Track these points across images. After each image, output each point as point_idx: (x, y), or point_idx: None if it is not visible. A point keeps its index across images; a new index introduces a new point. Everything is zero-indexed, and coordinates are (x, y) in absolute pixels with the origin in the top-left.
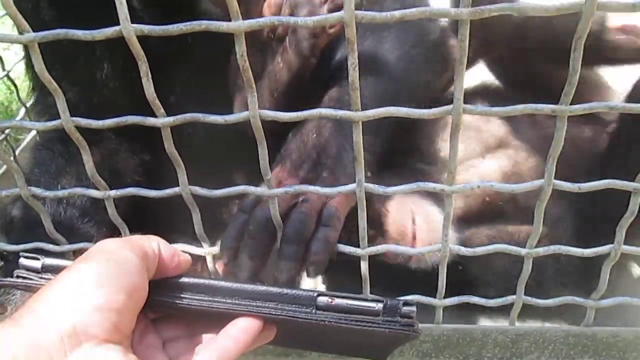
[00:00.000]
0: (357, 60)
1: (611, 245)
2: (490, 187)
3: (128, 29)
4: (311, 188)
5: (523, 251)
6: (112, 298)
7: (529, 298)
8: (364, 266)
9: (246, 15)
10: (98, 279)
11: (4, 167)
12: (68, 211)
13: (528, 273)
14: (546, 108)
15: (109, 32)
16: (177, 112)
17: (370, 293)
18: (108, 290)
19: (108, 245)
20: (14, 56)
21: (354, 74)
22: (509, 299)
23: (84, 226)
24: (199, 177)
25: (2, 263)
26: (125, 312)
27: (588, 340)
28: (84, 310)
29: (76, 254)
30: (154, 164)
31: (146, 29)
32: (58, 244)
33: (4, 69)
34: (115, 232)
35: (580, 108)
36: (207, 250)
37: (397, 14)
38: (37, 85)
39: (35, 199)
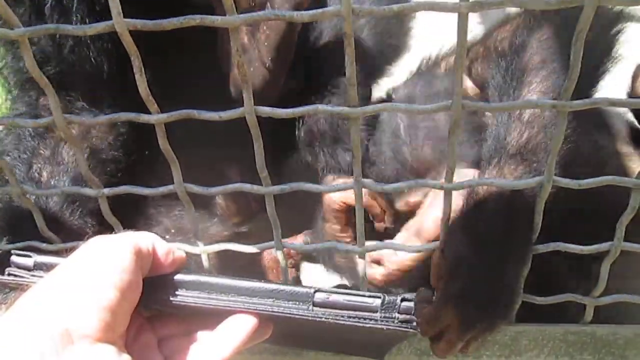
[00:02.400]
0: (354, 56)
1: (611, 242)
2: (490, 184)
3: (120, 23)
4: (307, 186)
5: None
6: (105, 297)
7: (528, 295)
8: (362, 265)
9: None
10: (90, 277)
11: None
12: (51, 201)
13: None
14: (547, 103)
15: (100, 26)
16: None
17: None
18: (101, 288)
19: (100, 242)
20: None
21: (351, 69)
22: None
23: (70, 217)
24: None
25: None
26: (119, 311)
27: (587, 338)
28: (76, 309)
29: (69, 251)
30: (131, 133)
31: (139, 23)
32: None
33: None
34: (103, 220)
35: (581, 103)
36: (203, 249)
37: (395, 7)
38: (19, 81)
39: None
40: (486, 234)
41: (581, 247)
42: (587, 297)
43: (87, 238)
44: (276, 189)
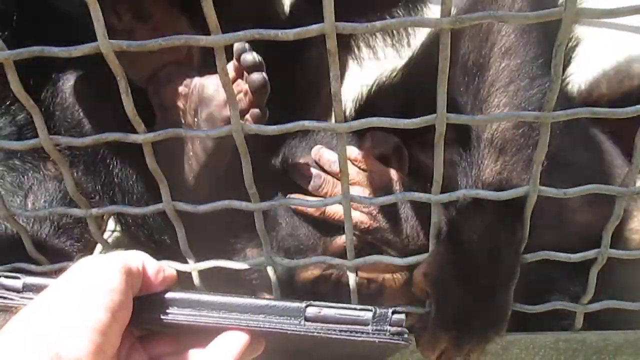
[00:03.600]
0: (338, 72)
1: (598, 250)
2: (476, 195)
3: (106, 45)
4: (296, 201)
5: None
6: (95, 318)
7: (517, 304)
8: (352, 279)
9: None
10: (80, 299)
11: None
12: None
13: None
14: (530, 115)
15: (86, 48)
16: None
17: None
18: (90, 310)
19: (90, 263)
20: None
21: (335, 85)
22: None
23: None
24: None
25: None
26: (109, 332)
27: (578, 345)
28: (66, 332)
29: (58, 272)
30: None
31: (124, 44)
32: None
33: None
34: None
35: (563, 114)
36: (193, 267)
37: (378, 24)
38: None
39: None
40: (473, 254)
41: (569, 255)
42: (577, 304)
43: (75, 260)
44: (265, 205)
